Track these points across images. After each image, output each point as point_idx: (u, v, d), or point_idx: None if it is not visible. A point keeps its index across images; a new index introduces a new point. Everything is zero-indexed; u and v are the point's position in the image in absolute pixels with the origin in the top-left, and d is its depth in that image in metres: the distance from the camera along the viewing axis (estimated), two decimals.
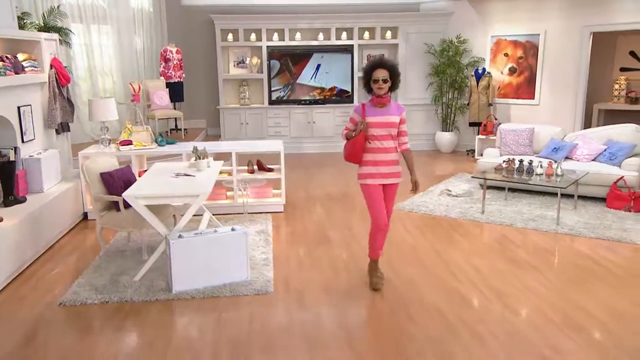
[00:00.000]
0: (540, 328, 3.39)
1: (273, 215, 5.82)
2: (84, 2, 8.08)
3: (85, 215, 5.80)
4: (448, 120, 9.57)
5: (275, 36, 9.63)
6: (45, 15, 6.59)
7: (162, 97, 8.50)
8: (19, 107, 5.10)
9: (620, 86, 9.25)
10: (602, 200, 6.04)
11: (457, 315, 3.56)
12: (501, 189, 6.49)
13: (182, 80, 9.15)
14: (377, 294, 3.91)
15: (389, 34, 9.65)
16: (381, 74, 3.75)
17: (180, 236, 3.92)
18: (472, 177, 6.35)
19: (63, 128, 5.96)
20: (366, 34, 9.67)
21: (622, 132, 6.45)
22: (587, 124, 8.68)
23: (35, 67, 5.34)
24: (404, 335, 3.34)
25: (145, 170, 5.59)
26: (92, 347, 3.26)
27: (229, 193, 6.09)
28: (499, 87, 9.11)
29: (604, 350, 3.13)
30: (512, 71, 8.95)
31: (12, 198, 4.72)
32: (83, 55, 8.19)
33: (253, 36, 9.61)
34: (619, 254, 4.63)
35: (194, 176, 4.59)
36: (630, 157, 6.14)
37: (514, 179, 5.75)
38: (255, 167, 6.16)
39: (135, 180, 4.75)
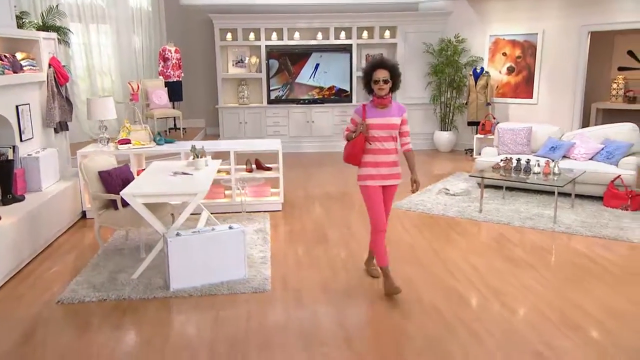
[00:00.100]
0: (537, 326, 3.40)
1: (271, 214, 5.83)
2: (82, 1, 8.09)
3: (83, 214, 5.81)
4: (446, 120, 9.58)
5: (274, 36, 9.64)
6: (44, 15, 6.59)
7: (160, 96, 8.51)
8: (17, 106, 5.10)
9: (618, 85, 9.27)
10: (599, 199, 6.06)
11: (455, 313, 3.58)
12: (499, 187, 6.51)
13: (180, 79, 9.16)
14: (374, 293, 3.92)
15: (387, 33, 9.67)
16: (382, 74, 3.69)
17: (177, 234, 3.93)
18: (470, 176, 6.37)
19: (61, 127, 5.97)
20: (365, 34, 9.68)
21: (619, 131, 6.47)
22: (585, 123, 8.70)
23: (33, 66, 5.35)
24: (401, 333, 3.35)
25: (144, 169, 5.60)
26: (90, 344, 3.27)
27: (227, 192, 6.11)
28: (497, 87, 9.12)
29: (601, 348, 3.14)
30: (510, 70, 8.97)
31: (10, 197, 4.73)
32: (82, 55, 8.20)
33: (252, 36, 9.62)
34: (615, 253, 4.64)
35: (191, 175, 4.60)
36: (627, 156, 6.15)
37: (511, 178, 5.77)
38: (254, 166, 6.18)
39: (133, 178, 4.76)
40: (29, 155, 5.20)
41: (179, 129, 9.03)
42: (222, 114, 9.71)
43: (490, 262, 4.47)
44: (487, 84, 8.85)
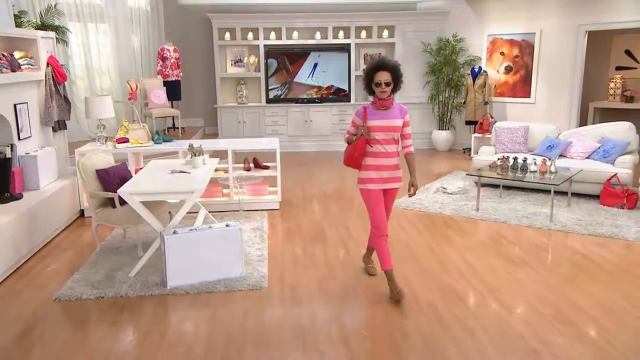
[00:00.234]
0: (532, 323, 3.42)
1: (269, 213, 5.85)
2: (81, 0, 8.11)
3: (81, 212, 5.83)
4: (445, 119, 9.61)
5: (273, 35, 9.67)
6: (43, 14, 6.61)
7: (159, 95, 8.53)
8: (15, 105, 5.13)
9: (615, 85, 9.30)
10: (595, 197, 6.08)
11: (450, 310, 3.59)
12: (496, 186, 6.53)
13: (179, 78, 9.18)
14: (371, 291, 3.94)
15: (385, 32, 9.69)
16: (384, 77, 3.60)
17: (175, 232, 3.95)
18: (467, 174, 6.38)
19: (60, 126, 5.99)
20: (363, 33, 9.71)
21: (616, 129, 6.49)
22: (582, 123, 8.72)
23: (31, 65, 5.37)
24: (398, 330, 3.37)
25: (142, 168, 5.61)
26: (87, 341, 3.29)
27: (225, 190, 6.13)
28: (495, 86, 9.14)
29: (595, 345, 3.16)
30: (508, 70, 8.99)
31: (8, 195, 4.75)
32: (80, 54, 8.22)
33: (250, 35, 9.64)
34: (611, 251, 4.66)
35: (189, 173, 4.62)
36: (623, 154, 6.18)
37: (508, 177, 5.79)
38: (252, 164, 6.20)
39: (130, 177, 4.78)
40: (27, 153, 5.22)
41: (178, 128, 9.05)
42: (221, 113, 9.72)
43: (487, 260, 4.49)
44: (485, 83, 8.87)
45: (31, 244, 4.64)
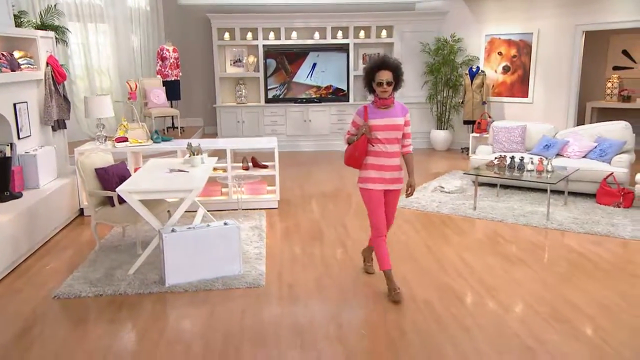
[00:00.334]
0: (528, 321, 3.44)
1: (267, 212, 5.88)
2: (81, 1, 8.13)
3: (81, 211, 5.85)
4: (443, 119, 9.64)
5: (272, 35, 9.70)
6: (42, 14, 6.63)
7: (158, 95, 8.56)
8: (14, 104, 5.15)
9: (612, 84, 9.33)
10: (592, 196, 6.11)
11: (447, 309, 3.62)
12: (493, 185, 6.56)
13: (178, 78, 9.21)
14: (368, 289, 3.96)
15: (384, 32, 9.72)
16: (385, 76, 3.55)
17: (173, 230, 3.97)
18: (465, 174, 6.41)
19: (59, 125, 6.02)
20: (362, 33, 9.74)
21: (612, 129, 6.52)
22: (580, 122, 8.75)
23: (31, 64, 5.40)
24: (394, 329, 3.39)
25: (141, 167, 5.64)
26: (86, 338, 3.31)
27: (223, 189, 6.15)
28: (493, 86, 9.17)
29: (591, 343, 3.19)
30: (505, 70, 9.02)
31: (7, 194, 4.78)
32: (80, 54, 8.24)
33: (249, 35, 9.66)
34: (607, 249, 4.69)
35: (187, 172, 4.64)
36: (620, 153, 6.21)
37: (505, 176, 5.82)
38: (250, 164, 6.22)
39: (129, 176, 4.80)
40: (26, 152, 5.25)
41: (177, 127, 9.08)
42: (220, 113, 9.75)
43: (484, 258, 4.52)
44: (483, 83, 8.90)
45: (30, 243, 4.67)
